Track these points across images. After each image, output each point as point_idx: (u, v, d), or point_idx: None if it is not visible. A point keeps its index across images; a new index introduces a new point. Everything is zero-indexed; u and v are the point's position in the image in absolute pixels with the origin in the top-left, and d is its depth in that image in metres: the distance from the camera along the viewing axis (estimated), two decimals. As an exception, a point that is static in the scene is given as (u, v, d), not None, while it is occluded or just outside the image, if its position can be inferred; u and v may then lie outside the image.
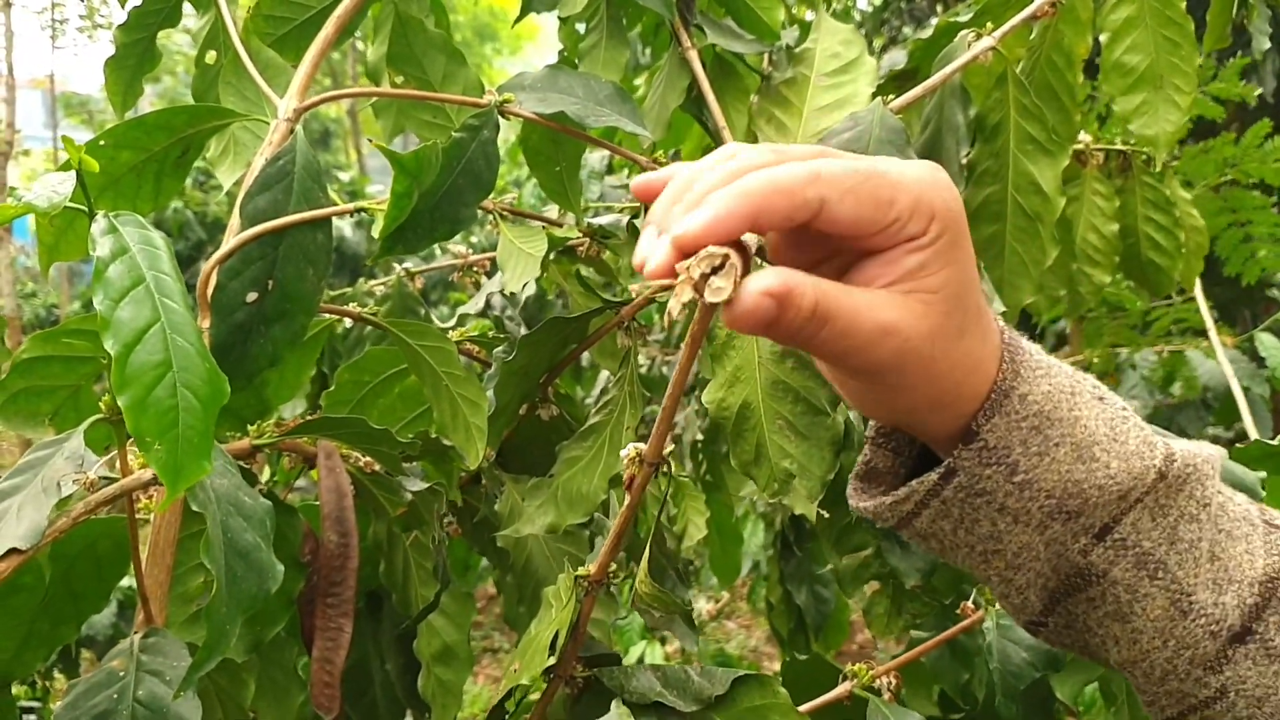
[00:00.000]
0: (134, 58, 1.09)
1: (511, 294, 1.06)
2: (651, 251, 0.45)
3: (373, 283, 1.33)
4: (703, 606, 2.98)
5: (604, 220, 1.15)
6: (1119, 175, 1.30)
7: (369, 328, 1.18)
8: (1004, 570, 0.53)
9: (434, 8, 1.07)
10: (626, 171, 1.27)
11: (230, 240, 0.81)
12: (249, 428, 0.86)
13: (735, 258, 0.44)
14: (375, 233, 0.80)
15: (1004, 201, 0.99)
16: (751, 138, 0.99)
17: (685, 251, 0.44)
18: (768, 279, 0.44)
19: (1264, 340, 1.93)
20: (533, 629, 0.75)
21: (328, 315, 0.97)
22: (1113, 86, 1.07)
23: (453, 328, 1.12)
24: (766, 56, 1.08)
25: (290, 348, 0.84)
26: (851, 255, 0.49)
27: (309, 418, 0.88)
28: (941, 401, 0.50)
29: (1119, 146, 1.29)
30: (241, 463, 0.83)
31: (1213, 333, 1.37)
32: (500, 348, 1.05)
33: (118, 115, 1.08)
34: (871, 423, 0.57)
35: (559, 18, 1.12)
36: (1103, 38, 1.08)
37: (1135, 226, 1.31)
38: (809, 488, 0.82)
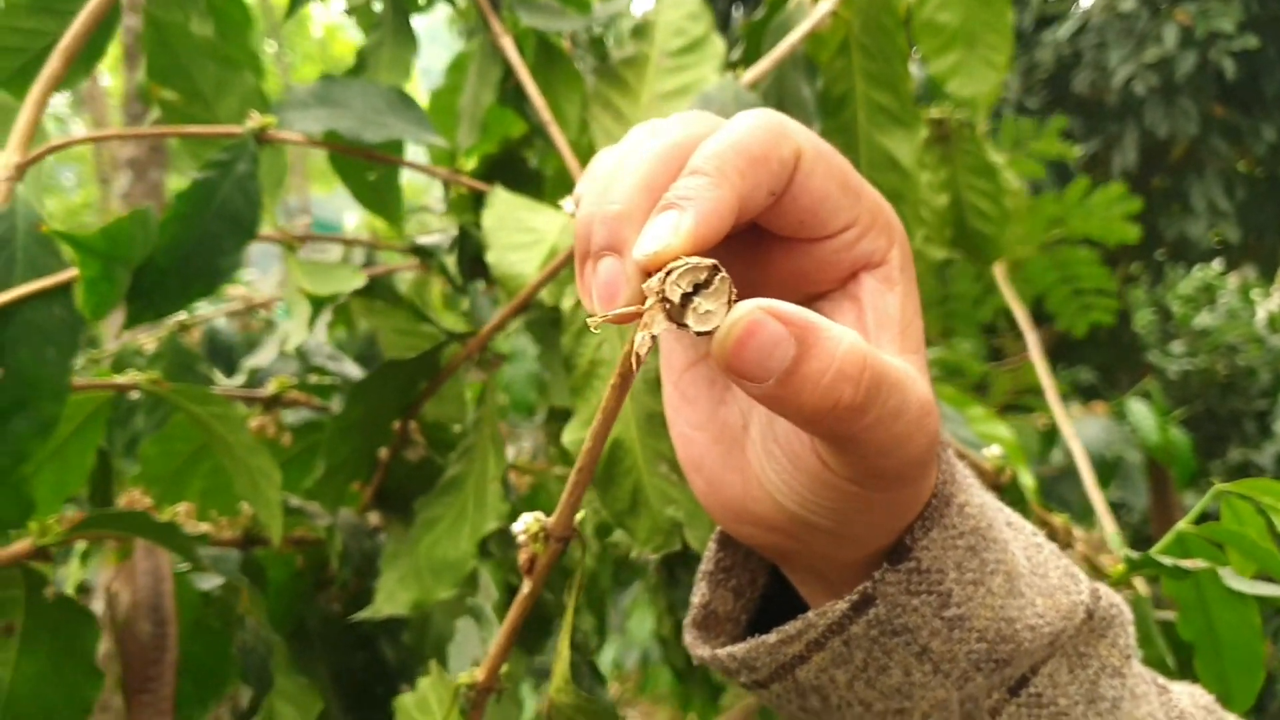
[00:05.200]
0: None
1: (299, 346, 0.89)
2: (604, 279, 0.32)
3: (143, 337, 1.16)
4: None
5: (432, 239, 1.01)
6: (939, 144, 1.21)
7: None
8: None
9: (217, 11, 0.91)
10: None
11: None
12: (31, 525, 0.74)
13: (726, 272, 0.31)
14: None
15: (859, 182, 0.88)
16: (585, 130, 0.87)
17: (652, 271, 0.31)
18: (777, 302, 0.31)
19: (1133, 408, 1.91)
20: None
21: (95, 391, 0.82)
22: (926, 46, 0.98)
23: (244, 386, 0.97)
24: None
25: (38, 440, 0.71)
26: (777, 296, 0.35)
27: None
28: (903, 510, 0.37)
29: (935, 114, 1.20)
30: (31, 563, 0.73)
31: (1051, 394, 1.30)
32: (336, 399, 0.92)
33: None
34: (708, 553, 0.44)
35: (346, 11, 0.97)
36: (911, -5, 0.99)
37: (960, 196, 1.22)
38: (700, 537, 0.68)
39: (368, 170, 0.87)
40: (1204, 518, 0.63)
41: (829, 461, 0.35)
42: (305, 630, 0.97)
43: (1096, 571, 0.76)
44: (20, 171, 0.71)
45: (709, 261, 0.30)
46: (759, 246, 0.37)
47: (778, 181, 0.34)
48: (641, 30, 0.85)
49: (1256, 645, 0.68)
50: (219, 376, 1.10)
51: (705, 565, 0.44)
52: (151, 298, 0.71)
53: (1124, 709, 0.42)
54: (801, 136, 0.35)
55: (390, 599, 0.79)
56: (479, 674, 0.52)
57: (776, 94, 0.89)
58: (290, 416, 0.99)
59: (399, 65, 0.86)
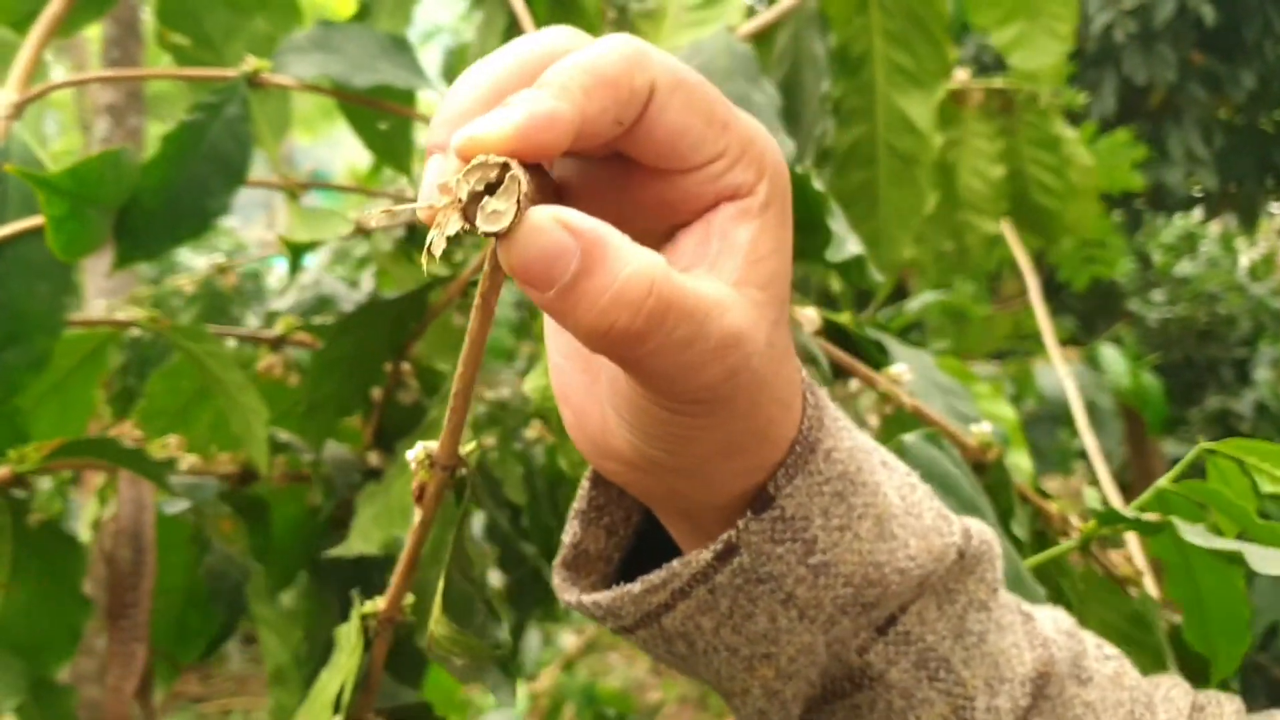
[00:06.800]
0: None
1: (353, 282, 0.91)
2: (427, 176, 0.32)
3: (182, 279, 1.19)
4: (568, 640, 2.82)
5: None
6: (1000, 115, 1.17)
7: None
8: (771, 680, 0.40)
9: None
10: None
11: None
12: (10, 453, 0.76)
13: (519, 170, 0.29)
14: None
15: (874, 143, 0.86)
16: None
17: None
18: (569, 211, 0.30)
19: (1105, 353, 1.88)
20: (323, 676, 0.59)
21: (95, 327, 0.84)
22: (985, 18, 0.95)
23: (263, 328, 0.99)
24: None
25: (31, 373, 0.73)
26: (637, 230, 0.34)
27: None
28: (744, 445, 0.37)
29: (998, 85, 1.16)
30: (14, 491, 0.75)
31: (1049, 339, 1.28)
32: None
33: None
34: (581, 490, 0.43)
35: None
36: (969, -36, 0.96)
37: (1022, 169, 1.18)
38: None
39: (378, 118, 0.87)
40: (1188, 474, 0.61)
41: (631, 381, 0.34)
42: (319, 565, 0.98)
43: (1092, 556, 0.73)
44: (18, 110, 0.73)
45: (500, 160, 0.30)
46: (627, 176, 0.36)
47: (626, 110, 0.33)
48: (661, -17, 0.84)
49: (1241, 609, 0.67)
50: (251, 318, 1.13)
51: (578, 504, 0.43)
52: (139, 238, 0.73)
53: (990, 640, 0.43)
54: (660, 68, 0.33)
55: (364, 537, 0.80)
56: (381, 604, 0.53)
57: (793, 50, 0.87)
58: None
59: (400, 12, 0.86)
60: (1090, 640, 0.48)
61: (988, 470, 0.73)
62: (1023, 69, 0.99)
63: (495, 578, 1.06)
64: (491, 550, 1.00)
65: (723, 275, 0.34)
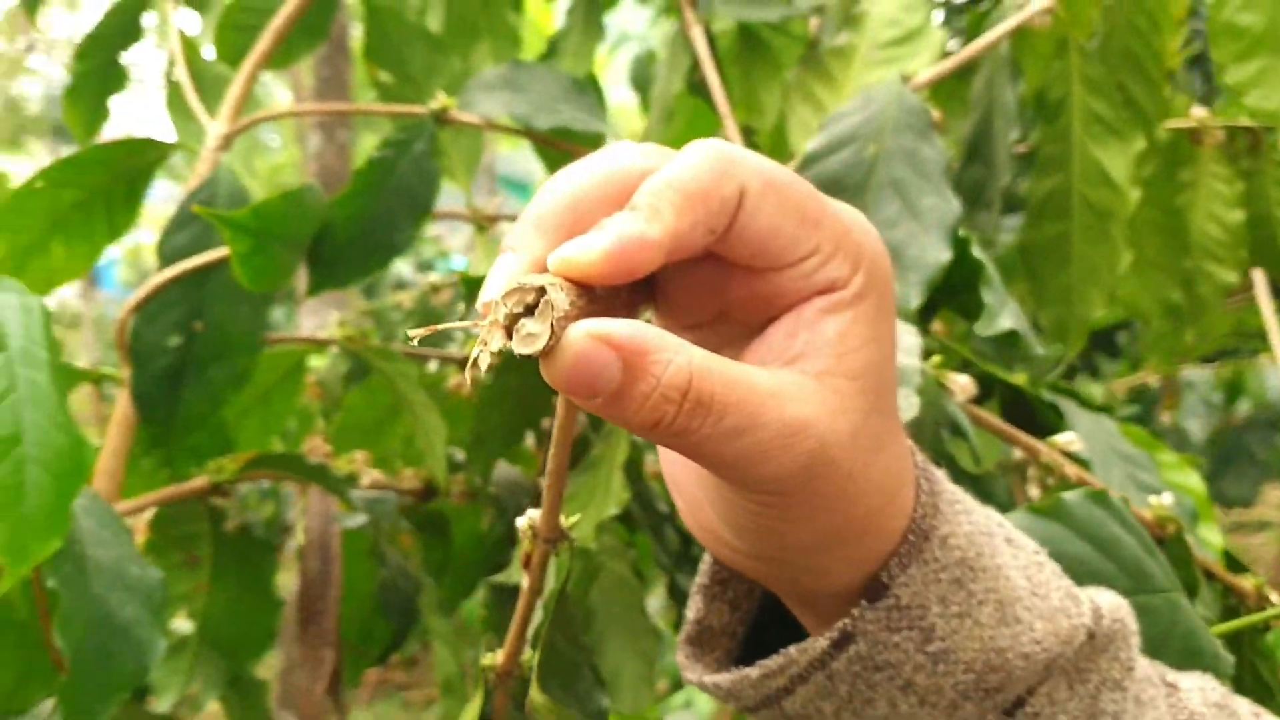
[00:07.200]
0: (95, 84, 1.01)
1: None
2: (492, 275, 0.33)
3: (402, 295, 1.26)
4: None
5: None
6: (1246, 156, 1.08)
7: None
8: None
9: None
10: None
11: (146, 284, 0.75)
12: (209, 464, 0.82)
13: (559, 293, 0.30)
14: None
15: (1069, 195, 0.82)
16: (782, 122, 0.85)
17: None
18: (607, 324, 0.31)
19: None
20: (465, 711, 0.64)
21: (297, 345, 0.90)
22: (1223, 52, 0.86)
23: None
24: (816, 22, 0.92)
25: (233, 388, 0.80)
26: (738, 324, 0.37)
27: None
28: (843, 537, 0.37)
29: (1244, 123, 1.06)
30: (211, 499, 0.82)
31: (1275, 337, 1.16)
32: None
33: (80, 144, 1.03)
34: (704, 565, 0.43)
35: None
36: (1208, -6, 0.88)
37: (1268, 213, 1.09)
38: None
39: (566, 156, 0.89)
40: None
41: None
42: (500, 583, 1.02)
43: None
44: (227, 141, 0.79)
45: (537, 283, 0.30)
46: (722, 272, 0.37)
47: (717, 220, 0.33)
48: (855, 19, 0.83)
49: None
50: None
51: (700, 579, 0.43)
52: (332, 268, 0.78)
53: (1126, 719, 0.41)
54: (749, 171, 0.34)
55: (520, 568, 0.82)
56: (499, 658, 0.54)
57: (986, 100, 0.84)
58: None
59: (584, 53, 0.88)
60: (1245, 709, 0.46)
61: (1166, 546, 0.68)
62: (1259, 109, 0.91)
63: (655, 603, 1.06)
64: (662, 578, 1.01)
65: (808, 367, 0.34)
